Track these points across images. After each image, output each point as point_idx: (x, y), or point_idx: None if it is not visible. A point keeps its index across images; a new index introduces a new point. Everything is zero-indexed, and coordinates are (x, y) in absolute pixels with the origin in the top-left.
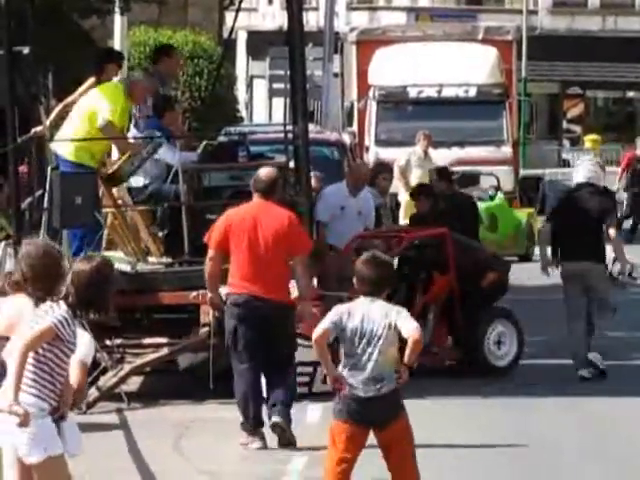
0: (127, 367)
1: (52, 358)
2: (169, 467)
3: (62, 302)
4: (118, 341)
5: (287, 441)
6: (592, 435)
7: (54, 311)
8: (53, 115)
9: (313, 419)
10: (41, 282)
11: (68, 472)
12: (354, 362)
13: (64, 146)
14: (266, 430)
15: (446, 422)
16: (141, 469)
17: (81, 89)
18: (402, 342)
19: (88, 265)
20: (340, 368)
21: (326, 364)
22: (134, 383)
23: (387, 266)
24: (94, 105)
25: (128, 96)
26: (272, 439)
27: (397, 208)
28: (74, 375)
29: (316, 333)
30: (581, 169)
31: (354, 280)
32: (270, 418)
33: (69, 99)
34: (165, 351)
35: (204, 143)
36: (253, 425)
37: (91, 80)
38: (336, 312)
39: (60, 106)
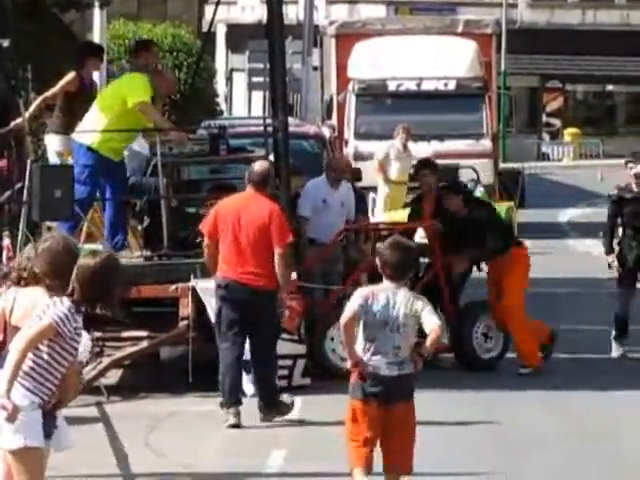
0: (106, 360)
1: (51, 353)
2: (146, 460)
3: (65, 298)
4: (97, 334)
5: (269, 420)
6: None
7: (56, 307)
8: (32, 108)
9: (292, 413)
10: (59, 277)
11: (42, 466)
12: (377, 346)
13: (88, 137)
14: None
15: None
16: (118, 462)
17: (62, 82)
18: (419, 334)
19: (93, 260)
20: (360, 352)
21: (350, 346)
22: (113, 376)
23: (410, 250)
24: (122, 92)
25: (153, 88)
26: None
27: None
28: (71, 373)
29: (345, 317)
30: None
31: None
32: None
33: (48, 93)
34: (144, 344)
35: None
36: (228, 402)
37: (72, 74)
38: (362, 294)
39: (39, 99)
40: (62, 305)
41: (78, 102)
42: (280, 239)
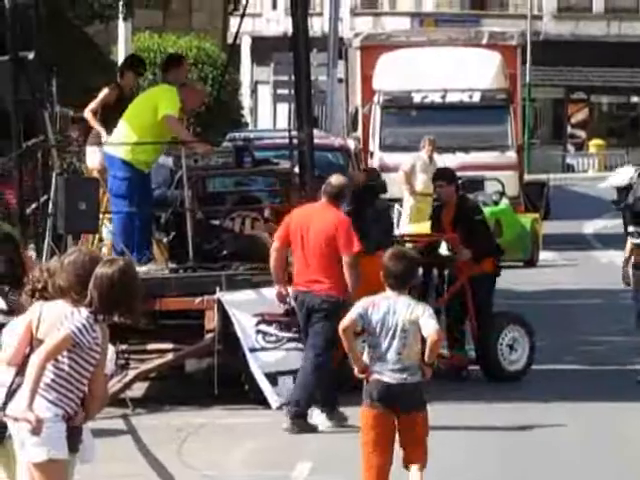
0: (132, 373)
1: (71, 365)
2: (173, 473)
3: (83, 308)
4: (123, 347)
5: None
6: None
7: (74, 317)
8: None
9: (318, 424)
10: (85, 289)
11: (65, 478)
12: (379, 353)
13: (120, 148)
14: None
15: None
16: (145, 475)
17: (100, 95)
18: (424, 341)
19: (110, 269)
20: (365, 358)
21: (353, 353)
22: (139, 389)
23: (410, 260)
24: (154, 102)
25: (181, 101)
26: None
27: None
28: (97, 386)
29: (343, 324)
30: None
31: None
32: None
33: (91, 106)
34: (170, 357)
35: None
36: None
37: (110, 86)
38: (363, 304)
39: (88, 111)
40: (80, 315)
41: (117, 114)
42: (347, 247)
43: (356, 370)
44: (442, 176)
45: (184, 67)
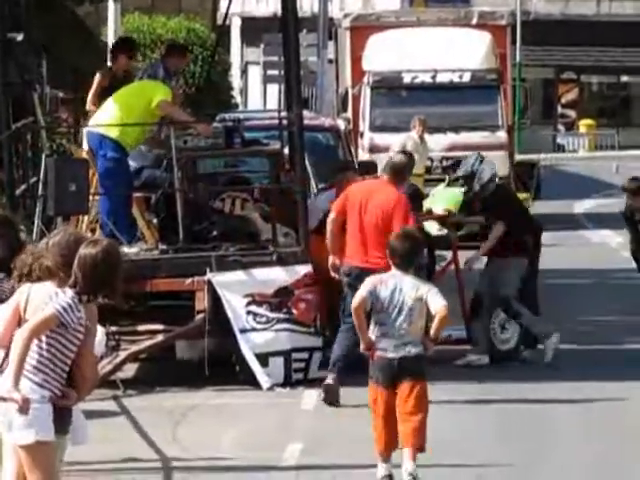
0: (122, 354)
1: (55, 345)
2: (165, 454)
3: (68, 289)
4: (113, 328)
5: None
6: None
7: (59, 298)
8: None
9: (308, 406)
10: (71, 270)
11: (54, 460)
12: (385, 329)
13: (110, 127)
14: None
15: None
16: (139, 456)
17: (95, 80)
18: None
19: (94, 249)
20: (371, 334)
21: (362, 331)
22: (129, 370)
23: (415, 240)
24: (147, 94)
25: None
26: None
27: None
28: (87, 367)
29: (354, 302)
30: None
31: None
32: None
33: (92, 91)
34: (160, 338)
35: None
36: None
37: (102, 70)
38: (372, 282)
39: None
40: (65, 295)
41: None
42: (401, 224)
43: (363, 347)
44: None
45: (186, 59)
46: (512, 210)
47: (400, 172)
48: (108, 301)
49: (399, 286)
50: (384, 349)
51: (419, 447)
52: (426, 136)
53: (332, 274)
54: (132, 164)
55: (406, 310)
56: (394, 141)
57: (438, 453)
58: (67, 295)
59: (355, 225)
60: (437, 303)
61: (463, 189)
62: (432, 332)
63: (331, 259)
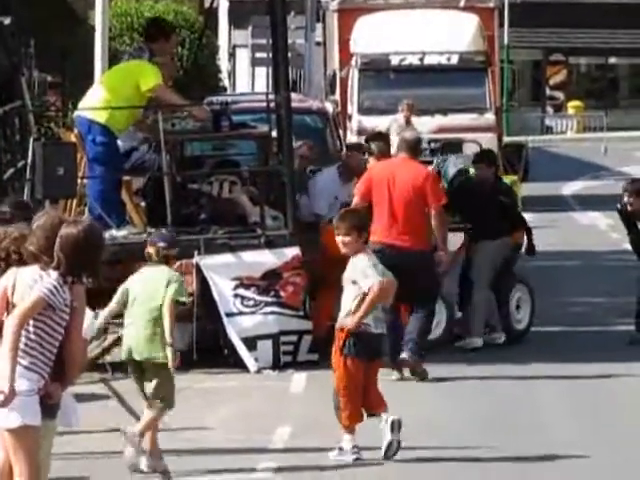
0: (110, 337)
1: (42, 327)
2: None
3: (52, 271)
4: (99, 312)
5: (419, 375)
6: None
7: (44, 281)
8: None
9: (298, 389)
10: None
11: (39, 443)
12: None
13: (100, 113)
14: None
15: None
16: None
17: None
18: None
19: (75, 229)
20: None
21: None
22: (117, 353)
23: (360, 214)
24: (134, 78)
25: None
26: None
27: None
28: (76, 350)
29: (376, 286)
30: None
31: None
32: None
33: None
34: None
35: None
36: (391, 359)
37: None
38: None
39: None
40: (49, 277)
41: None
42: (436, 199)
43: (355, 325)
44: (483, 159)
45: (173, 42)
46: (476, 204)
47: (415, 147)
48: (92, 281)
49: (352, 265)
50: (368, 324)
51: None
52: (414, 119)
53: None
54: (121, 145)
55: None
56: (380, 124)
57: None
58: (52, 277)
59: (384, 204)
60: (371, 281)
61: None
62: (362, 307)
63: None
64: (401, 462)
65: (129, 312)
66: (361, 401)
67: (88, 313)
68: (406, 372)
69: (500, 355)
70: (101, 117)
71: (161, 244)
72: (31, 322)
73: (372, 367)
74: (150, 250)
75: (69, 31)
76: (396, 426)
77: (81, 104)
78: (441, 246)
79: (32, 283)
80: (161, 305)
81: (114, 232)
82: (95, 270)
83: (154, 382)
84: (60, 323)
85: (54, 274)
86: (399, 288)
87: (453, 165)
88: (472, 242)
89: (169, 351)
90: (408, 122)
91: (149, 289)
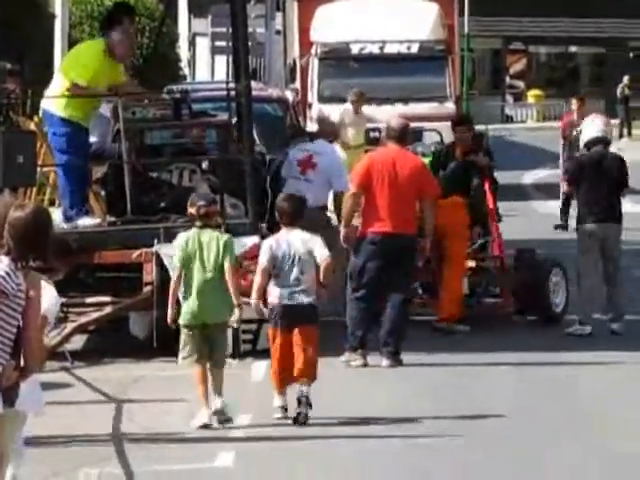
0: (70, 326)
1: None
2: (115, 426)
3: (3, 256)
4: (62, 300)
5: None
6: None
7: None
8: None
9: (257, 377)
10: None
11: (2, 432)
12: (280, 280)
13: (55, 103)
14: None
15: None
16: (89, 427)
17: None
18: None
19: (23, 212)
20: (271, 286)
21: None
22: (77, 342)
23: (300, 200)
24: (70, 63)
25: (109, 54)
26: None
27: None
28: (33, 336)
29: (260, 265)
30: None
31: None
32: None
33: None
34: (109, 309)
35: None
36: (356, 344)
37: None
38: (268, 243)
39: None
40: (1, 263)
41: None
42: (432, 191)
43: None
44: (466, 121)
45: (128, 32)
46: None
47: (405, 134)
48: (41, 264)
49: (290, 241)
50: (280, 297)
51: (311, 377)
52: (373, 107)
53: (344, 245)
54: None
55: (298, 262)
56: (332, 112)
57: None
58: (3, 263)
59: (384, 193)
60: (321, 254)
61: None
62: (321, 278)
63: (344, 231)
64: (368, 451)
65: (190, 278)
66: (285, 365)
67: (53, 296)
68: (371, 360)
69: (463, 345)
70: (57, 110)
71: (200, 202)
72: None
73: (295, 335)
74: (191, 210)
75: (28, 18)
76: (303, 402)
77: (47, 92)
78: (429, 234)
79: None
80: (222, 267)
81: (75, 221)
82: (44, 252)
83: (220, 342)
84: (16, 309)
85: (5, 260)
86: (388, 272)
87: (414, 151)
88: None
89: (237, 311)
90: (357, 112)
91: (210, 256)
